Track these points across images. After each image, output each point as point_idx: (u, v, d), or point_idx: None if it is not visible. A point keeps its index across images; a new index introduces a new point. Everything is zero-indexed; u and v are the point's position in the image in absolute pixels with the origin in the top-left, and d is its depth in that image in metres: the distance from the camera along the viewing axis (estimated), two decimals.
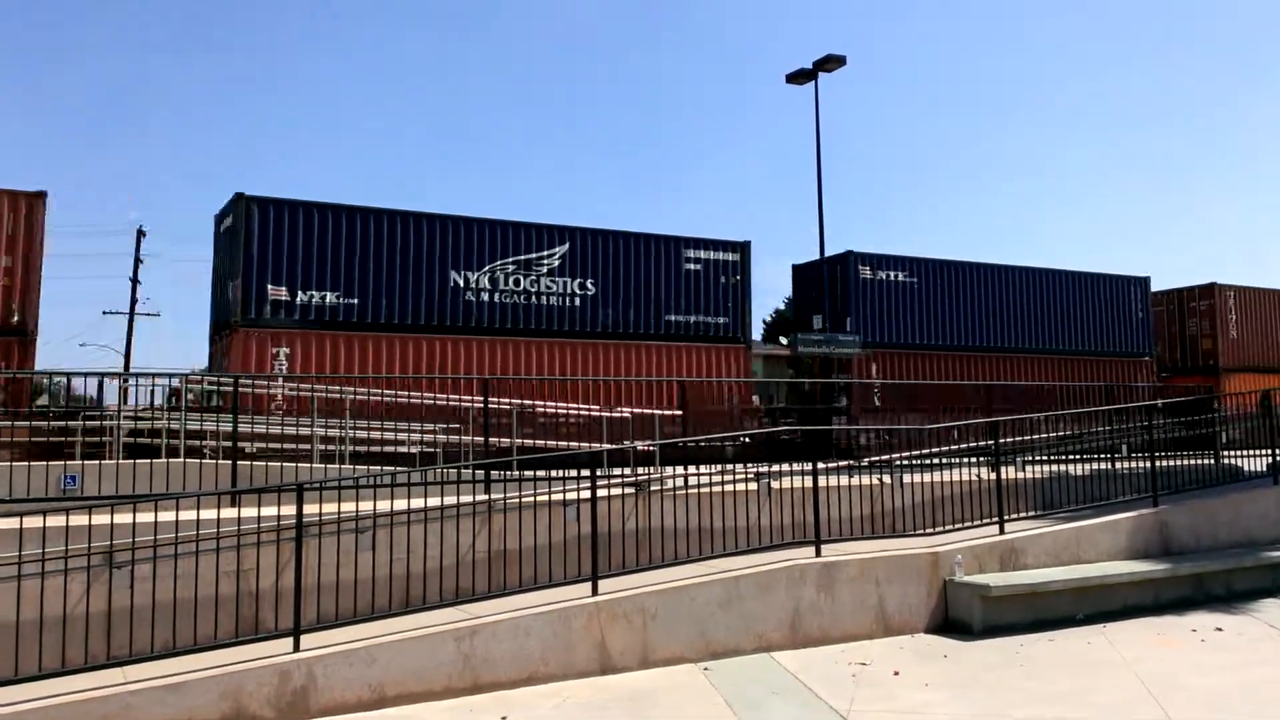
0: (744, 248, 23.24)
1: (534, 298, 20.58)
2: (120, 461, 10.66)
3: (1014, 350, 25.90)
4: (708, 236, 22.75)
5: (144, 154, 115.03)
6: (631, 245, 21.85)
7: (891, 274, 24.63)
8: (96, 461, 10.65)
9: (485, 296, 20.11)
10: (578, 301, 21.07)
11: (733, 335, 22.64)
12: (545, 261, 20.88)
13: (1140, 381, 26.44)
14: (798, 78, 23.96)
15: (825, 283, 23.85)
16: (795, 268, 26.16)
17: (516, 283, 20.54)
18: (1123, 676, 8.03)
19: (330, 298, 18.59)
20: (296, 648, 7.39)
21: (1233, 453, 14.79)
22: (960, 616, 9.92)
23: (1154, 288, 29.48)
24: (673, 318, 22.01)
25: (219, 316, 19.15)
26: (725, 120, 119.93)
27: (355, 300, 18.84)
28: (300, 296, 18.33)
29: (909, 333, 24.75)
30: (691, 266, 22.51)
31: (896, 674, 8.28)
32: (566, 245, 21.04)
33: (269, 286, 18.15)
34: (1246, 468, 13.98)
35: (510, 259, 20.46)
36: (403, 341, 19.05)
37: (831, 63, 23.35)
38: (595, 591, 8.61)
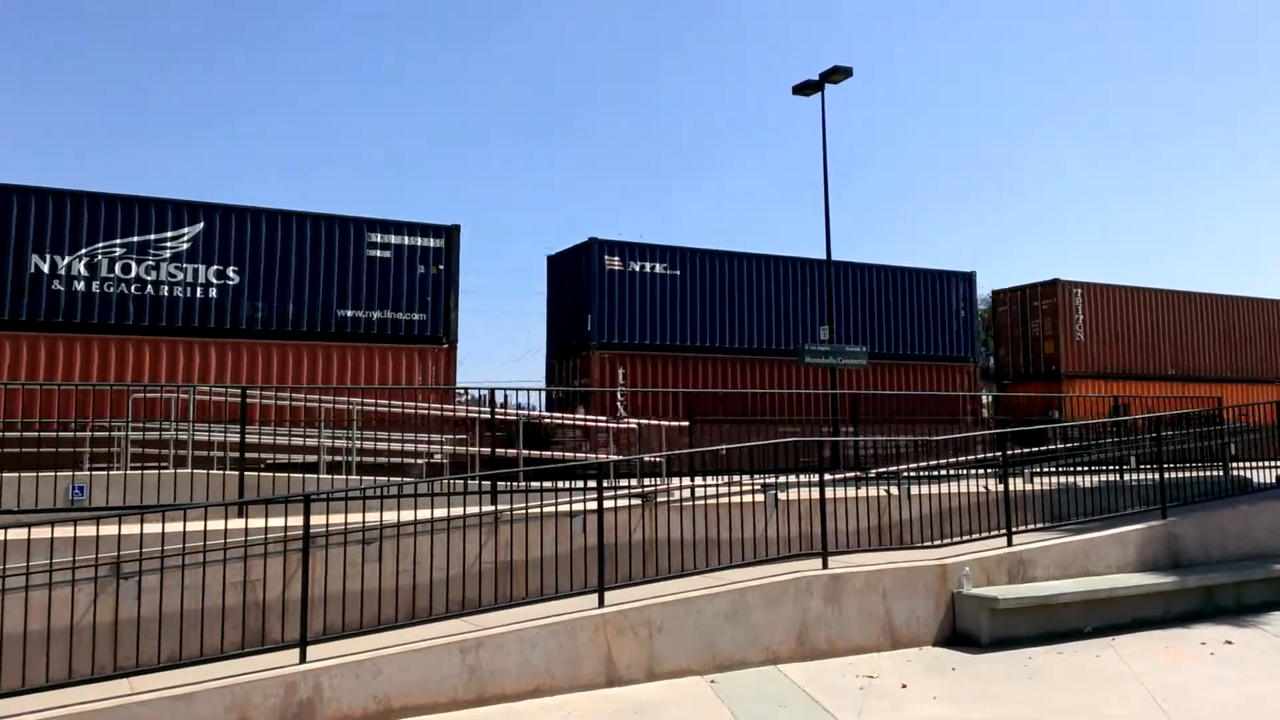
0: (450, 232, 20.11)
1: (150, 287, 17.36)
2: (128, 472, 10.68)
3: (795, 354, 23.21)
4: (407, 219, 19.85)
5: None
6: (293, 227, 18.60)
7: (646, 265, 22.31)
8: (104, 472, 10.67)
9: (81, 285, 16.86)
10: (214, 293, 17.87)
11: (433, 335, 19.76)
12: (169, 245, 17.64)
13: (960, 390, 24.89)
14: (804, 89, 24.00)
15: (571, 275, 22.38)
16: (550, 259, 23.90)
17: (126, 269, 17.26)
18: (1132, 690, 7.98)
19: None
20: (303, 659, 7.38)
21: (1241, 464, 14.71)
22: (968, 629, 9.88)
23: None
24: (349, 313, 18.97)
25: None
26: (733, 132, 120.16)
27: None
28: None
29: (665, 332, 22.27)
30: (379, 254, 19.43)
31: (904, 687, 8.25)
32: (200, 225, 17.87)
33: None
34: (1256, 479, 13.92)
35: (118, 240, 17.21)
36: None
37: (838, 74, 23.34)
38: (602, 603, 8.59)
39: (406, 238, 19.61)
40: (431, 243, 19.74)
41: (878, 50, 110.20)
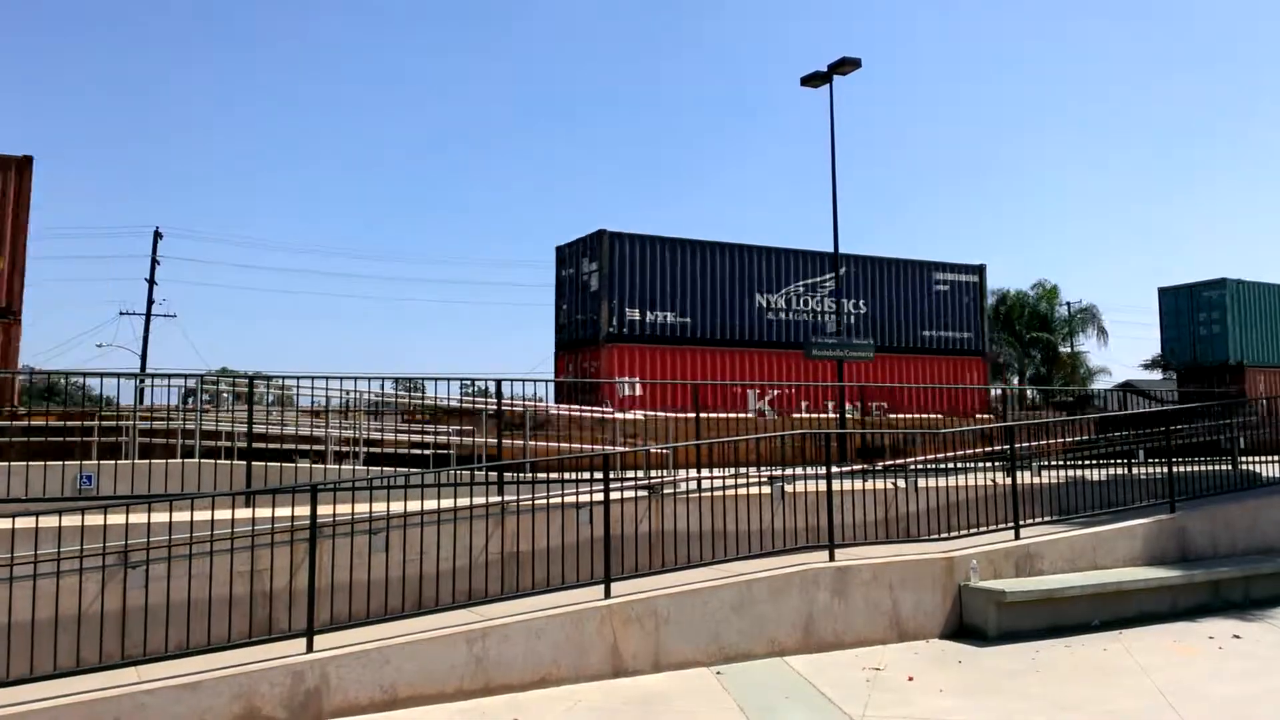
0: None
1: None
2: (136, 461, 10.69)
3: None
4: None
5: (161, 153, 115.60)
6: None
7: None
8: (112, 461, 10.68)
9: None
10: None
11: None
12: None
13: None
14: (812, 80, 23.88)
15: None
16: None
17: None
18: (1140, 684, 7.95)
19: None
20: (310, 648, 7.39)
21: (1251, 458, 14.65)
22: (975, 622, 9.85)
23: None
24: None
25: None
26: (750, 124, 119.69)
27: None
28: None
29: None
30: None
31: (911, 680, 8.23)
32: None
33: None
34: (1265, 473, 13.85)
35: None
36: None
37: (846, 65, 23.22)
38: (608, 594, 8.59)
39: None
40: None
41: (885, 47, 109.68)
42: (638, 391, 19.89)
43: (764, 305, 23.63)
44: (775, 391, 22.56)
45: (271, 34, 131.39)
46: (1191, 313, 30.64)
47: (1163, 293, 31.49)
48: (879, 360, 21.94)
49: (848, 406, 19.65)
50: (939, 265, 26.30)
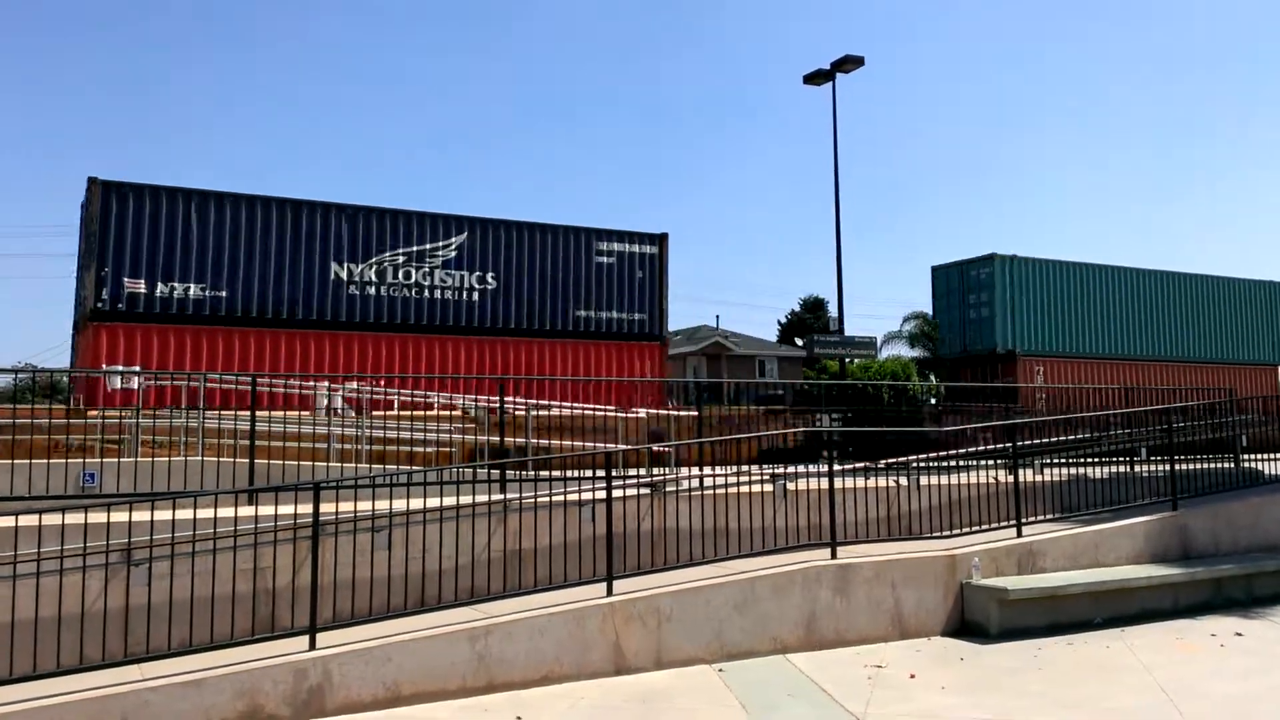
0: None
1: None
2: (139, 459, 10.69)
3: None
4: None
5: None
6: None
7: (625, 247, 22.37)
8: (115, 459, 10.69)
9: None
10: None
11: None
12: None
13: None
14: (815, 78, 23.89)
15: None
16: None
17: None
18: (1142, 682, 7.95)
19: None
20: (312, 646, 7.40)
21: (1253, 456, 14.64)
22: (977, 619, 9.86)
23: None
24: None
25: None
26: (751, 124, 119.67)
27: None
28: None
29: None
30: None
31: (913, 677, 8.24)
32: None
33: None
34: (1267, 471, 13.84)
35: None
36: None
37: (849, 63, 23.26)
38: (610, 592, 8.59)
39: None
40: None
41: (886, 46, 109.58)
42: (135, 385, 15.68)
43: (345, 277, 19.67)
44: (359, 384, 16.64)
45: (271, 34, 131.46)
46: (962, 293, 27.16)
47: (935, 272, 28.35)
48: (515, 346, 20.32)
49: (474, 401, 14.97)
50: (603, 233, 22.17)
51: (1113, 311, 27.83)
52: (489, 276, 20.98)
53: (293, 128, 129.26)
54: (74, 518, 7.60)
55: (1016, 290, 26.28)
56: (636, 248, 22.39)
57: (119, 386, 16.07)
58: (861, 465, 11.82)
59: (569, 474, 10.25)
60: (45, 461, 9.88)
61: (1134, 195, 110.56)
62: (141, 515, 7.99)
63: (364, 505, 8.80)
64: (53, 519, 7.49)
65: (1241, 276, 32.08)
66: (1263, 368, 31.58)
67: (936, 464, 11.86)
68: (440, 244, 20.50)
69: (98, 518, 7.59)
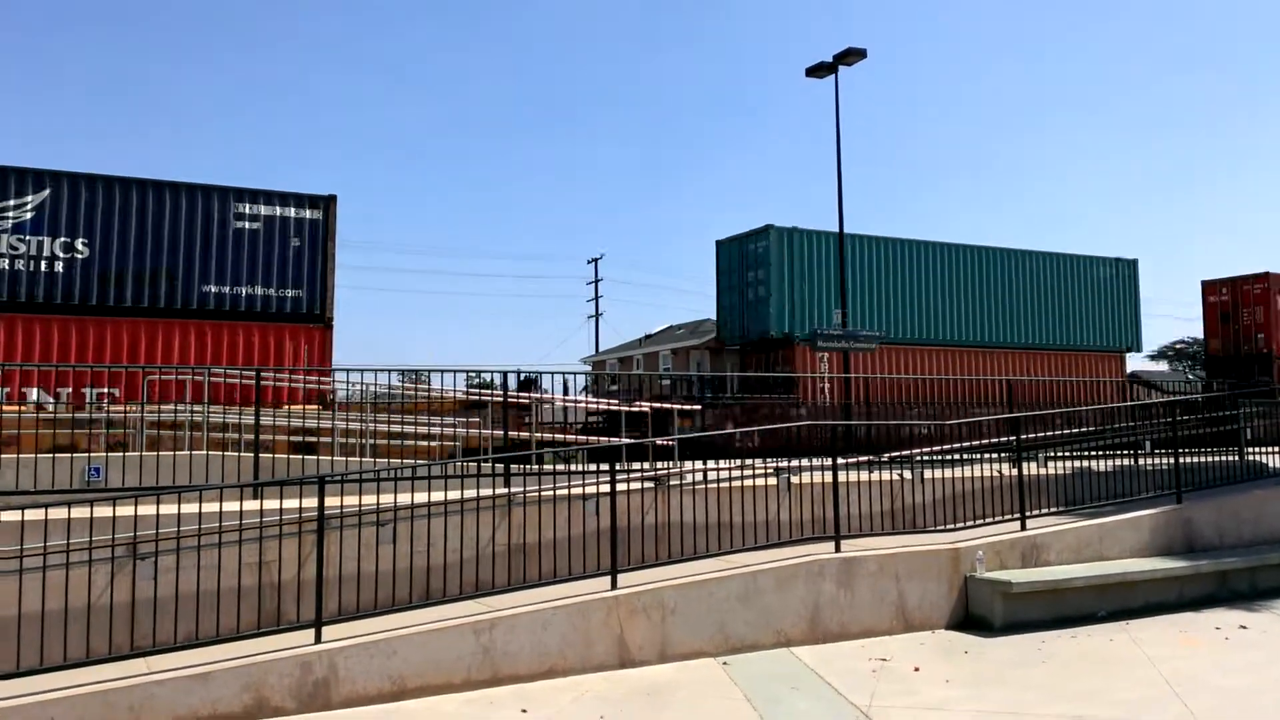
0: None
1: None
2: (144, 453, 10.73)
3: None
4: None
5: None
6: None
7: None
8: (120, 453, 10.72)
9: None
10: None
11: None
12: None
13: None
14: (818, 71, 23.82)
15: None
16: None
17: None
18: (1146, 675, 7.96)
19: None
20: (318, 639, 7.43)
21: (1258, 449, 14.61)
22: (981, 613, 9.86)
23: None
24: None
25: None
26: (752, 120, 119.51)
27: None
28: None
29: None
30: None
31: (917, 670, 8.25)
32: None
33: None
34: (1271, 464, 13.82)
35: None
36: None
37: (852, 56, 23.18)
38: (614, 585, 8.61)
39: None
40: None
41: (888, 40, 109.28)
42: None
43: None
44: None
45: (271, 31, 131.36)
46: (742, 271, 24.04)
47: (719, 247, 25.23)
48: (112, 328, 16.86)
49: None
50: (246, 193, 18.56)
51: (920, 292, 24.66)
52: (79, 243, 17.25)
53: (288, 120, 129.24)
54: (80, 511, 7.62)
55: (797, 267, 23.32)
56: (293, 211, 18.59)
57: None
58: (866, 459, 11.82)
59: (573, 468, 10.26)
60: (51, 456, 9.90)
61: (1140, 190, 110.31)
62: (147, 510, 8.01)
63: (368, 499, 8.82)
64: (59, 513, 7.52)
65: (1087, 253, 28.95)
66: (1108, 355, 29.03)
67: (941, 458, 11.85)
68: (12, 202, 16.81)
69: (104, 511, 7.62)
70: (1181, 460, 12.24)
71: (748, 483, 10.45)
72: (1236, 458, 13.98)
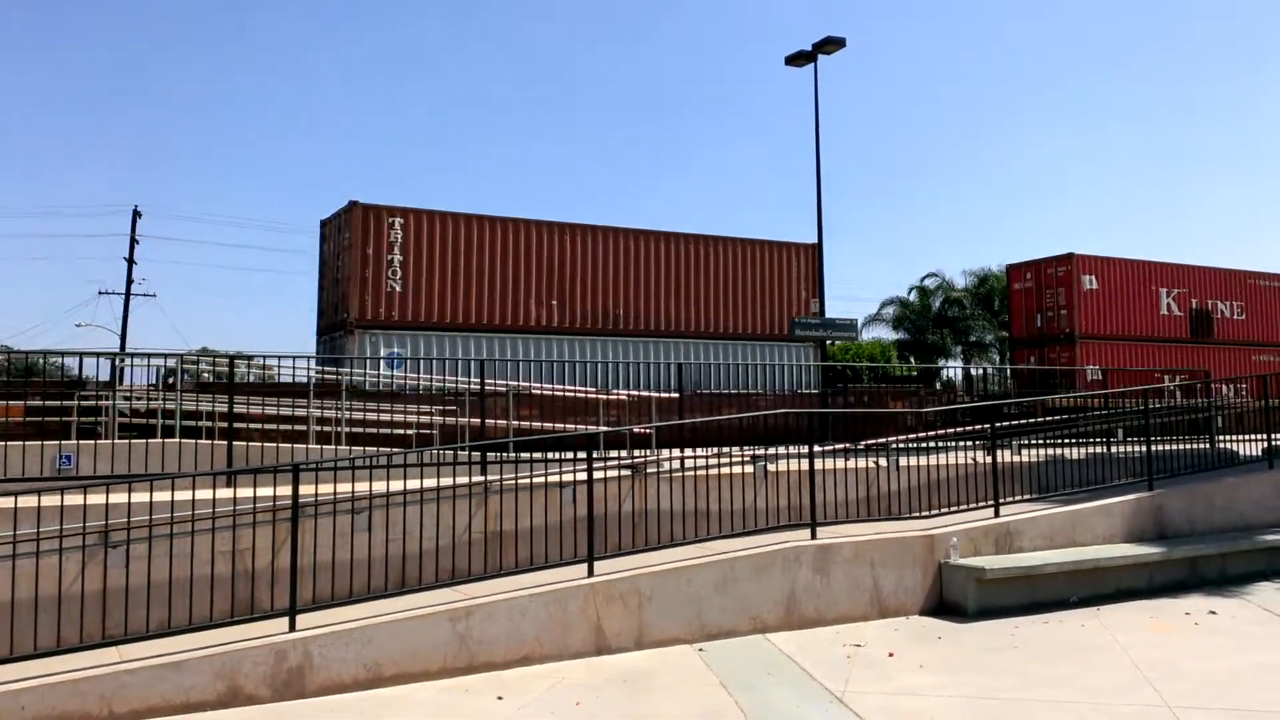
0: None
1: None
2: (116, 441, 10.61)
3: None
4: None
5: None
6: None
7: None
8: (92, 441, 10.60)
9: None
10: None
11: None
12: None
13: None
14: (797, 60, 23.83)
15: None
16: None
17: None
18: (1118, 660, 8.05)
19: None
20: (292, 627, 7.39)
21: (1228, 437, 14.79)
22: (955, 599, 9.94)
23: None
24: None
25: None
26: (732, 109, 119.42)
27: None
28: None
29: None
30: None
31: (891, 656, 8.30)
32: None
33: None
34: (1242, 452, 13.99)
35: None
36: None
37: (831, 44, 23.21)
38: (591, 573, 8.61)
39: None
40: None
41: (870, 30, 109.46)
42: None
43: None
44: None
45: (258, 15, 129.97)
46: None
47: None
48: None
49: None
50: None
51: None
52: None
53: (281, 106, 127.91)
54: (51, 499, 7.54)
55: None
56: None
57: None
58: (842, 446, 11.87)
59: (550, 456, 10.25)
60: (21, 444, 9.78)
61: (1127, 179, 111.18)
62: (119, 497, 7.93)
63: (344, 487, 8.77)
64: (29, 501, 7.43)
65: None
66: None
67: (916, 445, 11.92)
68: None
69: (75, 499, 7.54)
70: (1154, 448, 12.36)
71: (725, 471, 10.47)
72: (1208, 445, 14.15)
